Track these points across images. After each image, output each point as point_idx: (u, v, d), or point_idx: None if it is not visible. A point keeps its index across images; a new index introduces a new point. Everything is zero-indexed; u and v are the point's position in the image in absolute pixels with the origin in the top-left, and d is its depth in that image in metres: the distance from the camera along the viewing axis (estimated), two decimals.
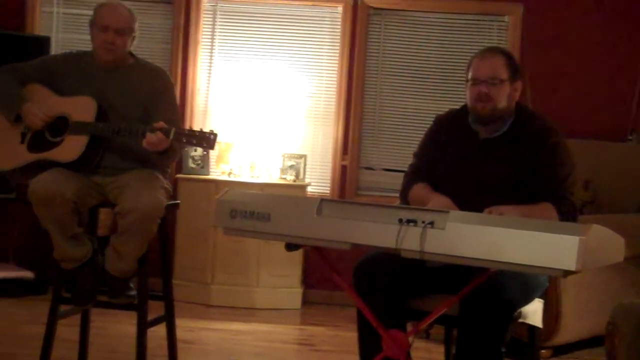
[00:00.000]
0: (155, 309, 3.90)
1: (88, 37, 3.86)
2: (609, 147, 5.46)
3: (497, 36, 5.96)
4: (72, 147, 3.66)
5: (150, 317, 3.79)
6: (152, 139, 3.50)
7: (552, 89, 5.76)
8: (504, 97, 3.28)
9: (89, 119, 3.67)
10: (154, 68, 3.99)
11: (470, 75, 3.32)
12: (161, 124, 3.51)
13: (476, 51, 3.43)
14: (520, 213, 2.97)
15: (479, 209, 2.83)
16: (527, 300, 3.16)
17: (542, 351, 4.30)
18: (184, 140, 3.54)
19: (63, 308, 3.87)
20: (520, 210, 3.02)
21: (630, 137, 5.64)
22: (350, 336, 3.46)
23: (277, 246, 3.01)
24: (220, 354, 4.48)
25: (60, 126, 3.70)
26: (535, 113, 3.43)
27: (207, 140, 3.50)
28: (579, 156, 3.38)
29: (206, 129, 3.51)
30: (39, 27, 6.09)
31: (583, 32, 5.86)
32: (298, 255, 5.68)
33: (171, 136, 3.49)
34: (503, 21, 5.97)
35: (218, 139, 3.55)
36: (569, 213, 3.15)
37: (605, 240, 2.58)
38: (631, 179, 5.19)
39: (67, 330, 4.12)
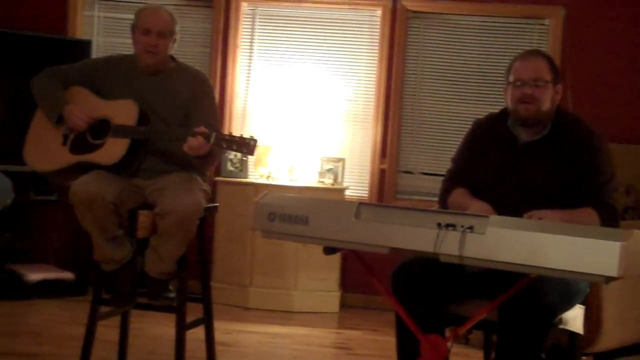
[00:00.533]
0: (194, 311, 3.92)
1: (128, 40, 3.89)
2: None
3: (538, 39, 5.91)
4: (113, 150, 3.69)
5: (189, 320, 3.81)
6: (193, 144, 3.52)
7: (593, 93, 5.70)
8: (548, 99, 3.26)
9: (131, 123, 3.70)
10: (195, 72, 4.01)
11: (512, 77, 3.30)
12: (202, 128, 3.52)
13: (516, 55, 3.41)
14: (561, 218, 2.95)
15: (519, 214, 2.81)
16: (568, 306, 3.13)
17: (583, 358, 4.25)
18: (224, 146, 3.56)
19: (103, 309, 3.91)
20: (561, 215, 3.00)
21: None
22: (388, 341, 3.45)
23: (315, 249, 3.01)
24: (258, 357, 4.49)
25: (101, 129, 3.73)
26: (576, 116, 3.40)
27: (247, 146, 3.51)
28: (620, 161, 3.35)
29: (246, 134, 3.52)
30: (80, 30, 6.15)
31: (625, 35, 5.80)
32: (336, 258, 5.67)
33: (212, 141, 3.50)
34: (544, 24, 5.92)
35: (256, 139, 3.56)
36: (610, 218, 3.12)
37: None
38: None
39: (107, 331, 4.15)
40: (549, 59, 3.34)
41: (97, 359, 3.96)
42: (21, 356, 4.20)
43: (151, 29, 3.76)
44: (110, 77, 3.86)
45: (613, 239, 2.37)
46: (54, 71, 3.89)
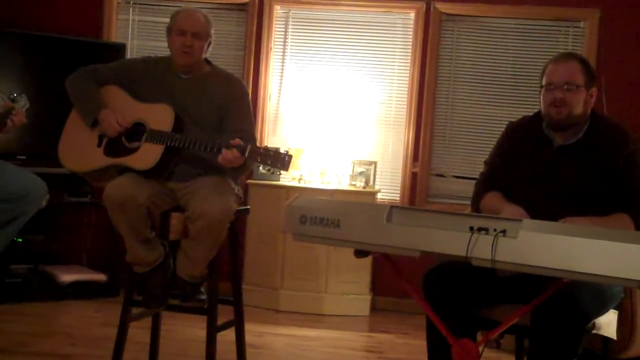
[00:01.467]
0: (225, 313, 3.93)
1: (162, 43, 3.92)
2: None
3: (573, 42, 5.87)
4: (147, 155, 3.70)
5: (219, 322, 3.82)
6: (228, 156, 3.52)
7: (629, 96, 5.65)
8: (580, 103, 3.24)
9: (166, 128, 3.71)
10: (229, 76, 4.02)
11: (544, 80, 3.29)
12: (238, 141, 3.52)
13: (551, 58, 3.40)
14: (594, 224, 2.93)
15: (553, 218, 2.79)
16: (602, 311, 3.10)
17: None
18: (259, 159, 3.56)
19: (135, 311, 3.93)
20: (595, 221, 2.97)
21: None
22: (419, 344, 3.44)
23: (346, 252, 3.00)
24: (288, 359, 4.49)
25: (137, 132, 3.76)
26: (611, 120, 3.38)
27: (281, 161, 3.51)
28: None
29: (278, 136, 3.53)
30: (115, 34, 6.21)
31: None
32: (367, 262, 5.67)
33: (247, 154, 3.51)
34: (579, 27, 5.88)
35: (289, 145, 3.56)
36: None
37: None
38: None
39: (139, 332, 4.17)
40: (583, 62, 3.32)
41: (129, 358, 3.99)
42: (54, 357, 4.23)
43: (186, 30, 3.77)
44: (145, 77, 3.88)
45: None
46: (90, 70, 3.91)
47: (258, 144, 3.62)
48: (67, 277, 5.71)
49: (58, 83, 3.98)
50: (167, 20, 3.91)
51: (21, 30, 5.81)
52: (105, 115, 3.74)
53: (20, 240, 5.44)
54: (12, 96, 3.56)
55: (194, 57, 3.82)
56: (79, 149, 3.84)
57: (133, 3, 6.24)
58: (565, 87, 3.23)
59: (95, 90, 3.84)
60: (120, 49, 5.94)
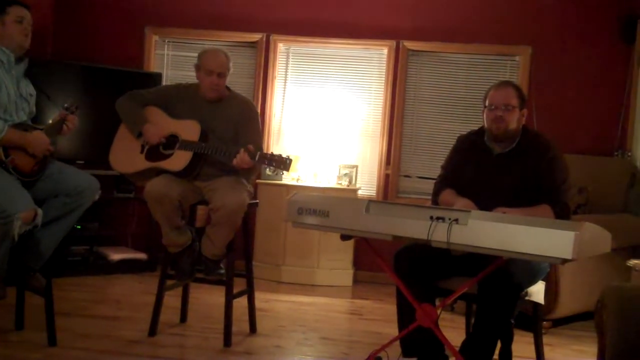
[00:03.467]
0: (240, 284, 3.94)
1: (191, 73, 3.91)
2: (599, 161, 5.39)
3: (510, 72, 5.87)
4: (179, 159, 3.71)
5: (235, 291, 3.83)
6: (242, 160, 3.54)
7: (553, 114, 5.67)
8: (514, 120, 3.27)
9: (194, 139, 3.72)
10: (244, 99, 4.02)
11: (487, 102, 3.32)
12: (250, 148, 3.54)
13: (492, 85, 3.41)
14: (523, 213, 2.95)
15: (493, 210, 2.81)
16: (532, 282, 3.13)
17: (544, 323, 4.24)
18: (266, 163, 3.57)
19: (169, 282, 3.95)
20: (523, 212, 2.99)
21: (616, 153, 5.54)
22: (390, 308, 3.46)
23: (333, 236, 3.02)
24: (289, 320, 4.49)
25: (171, 142, 3.76)
26: (538, 133, 3.41)
27: (284, 164, 3.52)
28: (575, 168, 3.35)
29: (280, 146, 3.54)
30: (153, 65, 6.18)
31: (578, 69, 5.76)
32: (350, 244, 5.66)
33: (256, 158, 3.53)
34: (515, 60, 5.89)
35: (289, 152, 3.57)
36: (562, 213, 3.12)
37: (596, 235, 2.55)
38: (616, 185, 5.13)
39: (172, 299, 4.18)
40: (517, 88, 3.35)
41: (164, 320, 4.00)
42: (107, 318, 4.22)
43: (213, 71, 3.77)
44: (179, 100, 3.88)
45: (569, 229, 2.38)
46: (135, 94, 3.91)
47: (265, 151, 3.63)
48: (116, 256, 5.70)
49: (108, 104, 3.98)
50: (195, 54, 3.91)
51: (78, 61, 5.79)
52: (148, 129, 3.76)
53: (79, 227, 5.42)
54: (64, 106, 3.55)
55: (219, 92, 3.83)
56: (126, 155, 3.85)
57: (168, 41, 6.22)
58: (503, 107, 3.25)
59: (140, 109, 3.85)
60: (157, 77, 5.92)
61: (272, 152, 3.56)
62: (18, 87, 3.45)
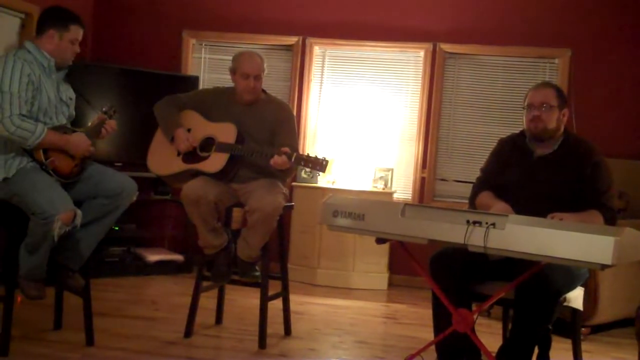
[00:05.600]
0: (274, 286, 3.94)
1: (226, 76, 3.92)
2: (638, 165, 5.30)
3: (549, 75, 5.81)
4: (216, 161, 3.73)
5: (270, 293, 3.84)
6: (278, 161, 3.54)
7: (592, 117, 5.59)
8: (553, 120, 3.23)
9: (231, 141, 3.74)
10: (280, 102, 4.03)
11: (526, 103, 3.30)
12: (286, 149, 3.54)
13: (531, 86, 3.38)
14: (575, 218, 2.91)
15: (533, 213, 2.77)
16: (571, 288, 3.08)
17: (582, 329, 4.17)
18: (302, 164, 3.57)
19: (205, 284, 3.97)
20: (575, 216, 2.96)
21: None
22: (426, 313, 3.43)
23: (369, 240, 3.00)
24: (323, 323, 4.49)
25: (208, 144, 3.79)
26: (580, 137, 3.36)
27: (320, 165, 3.52)
28: (615, 172, 3.29)
29: (316, 149, 3.53)
30: (190, 68, 6.25)
31: (618, 72, 5.67)
32: (385, 247, 5.65)
33: (293, 159, 3.53)
34: (554, 63, 5.82)
35: (324, 155, 3.56)
36: (611, 218, 3.09)
37: (636, 240, 2.50)
38: None
39: (208, 301, 4.21)
40: (556, 89, 3.32)
41: (199, 322, 4.03)
42: (143, 319, 4.27)
43: (249, 74, 3.78)
44: (215, 103, 3.91)
45: (608, 234, 2.34)
46: (173, 99, 3.95)
47: (301, 153, 3.63)
48: (153, 257, 5.76)
49: (146, 107, 4.02)
50: (231, 57, 3.93)
51: (118, 65, 5.88)
52: (178, 133, 3.78)
53: (117, 228, 5.50)
54: (103, 109, 3.60)
55: (255, 94, 3.85)
56: (163, 158, 3.88)
57: (205, 44, 6.28)
58: (542, 107, 3.22)
59: (175, 114, 3.88)
60: (194, 80, 5.97)
61: (308, 154, 3.56)
62: (58, 91, 3.51)
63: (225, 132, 3.77)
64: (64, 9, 3.52)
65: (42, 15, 3.51)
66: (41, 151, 3.34)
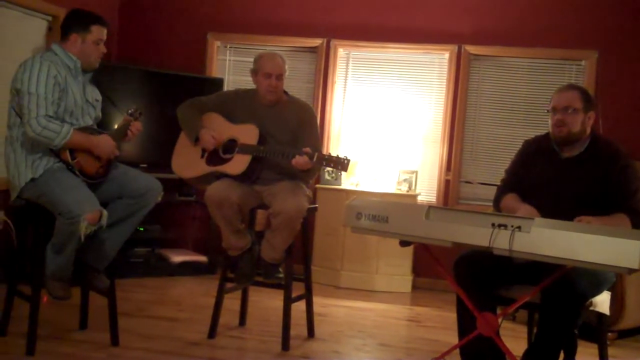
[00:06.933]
0: (298, 288, 3.95)
1: (251, 78, 3.93)
2: None
3: (575, 77, 5.76)
4: (239, 163, 3.75)
5: (294, 295, 3.85)
6: (300, 161, 3.55)
7: (620, 119, 5.52)
8: (577, 123, 3.20)
9: (253, 143, 3.76)
10: (302, 103, 4.04)
11: (551, 106, 3.26)
12: (308, 149, 3.55)
13: (556, 89, 3.35)
14: (603, 222, 2.88)
15: (558, 216, 2.75)
16: (597, 292, 3.05)
17: (609, 334, 4.13)
18: (324, 163, 3.57)
19: (228, 285, 3.99)
20: (603, 220, 2.93)
21: None
22: (450, 316, 3.42)
23: (393, 242, 3.00)
24: (347, 326, 4.49)
25: (230, 146, 3.81)
26: (608, 139, 3.32)
27: (342, 164, 3.52)
28: None
29: (340, 151, 3.53)
30: (215, 70, 6.28)
31: None
32: (409, 249, 5.63)
33: (314, 159, 3.53)
34: (580, 65, 5.76)
35: (349, 158, 3.56)
36: (639, 222, 3.03)
37: None
38: None
39: (231, 302, 4.22)
40: (581, 91, 3.28)
41: (223, 323, 4.05)
42: (167, 320, 4.29)
43: (271, 73, 3.80)
44: (238, 105, 3.93)
45: (635, 238, 2.32)
46: (195, 102, 3.98)
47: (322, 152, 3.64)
48: (177, 258, 5.79)
49: (172, 109, 4.04)
50: (253, 61, 3.94)
51: (144, 67, 5.92)
52: (204, 133, 3.81)
53: (142, 229, 5.54)
54: (129, 112, 3.62)
55: (277, 94, 3.85)
56: (187, 160, 3.91)
57: (229, 47, 6.31)
58: (566, 110, 3.19)
59: (197, 116, 3.90)
60: (219, 82, 6.00)
61: (329, 153, 3.56)
62: (84, 93, 3.54)
63: (248, 134, 3.78)
64: (84, 11, 3.54)
65: (64, 21, 3.55)
66: (68, 152, 3.38)
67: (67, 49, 3.46)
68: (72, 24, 3.49)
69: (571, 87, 3.34)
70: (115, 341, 3.62)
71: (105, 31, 3.55)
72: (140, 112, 3.64)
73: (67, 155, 3.38)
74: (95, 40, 3.50)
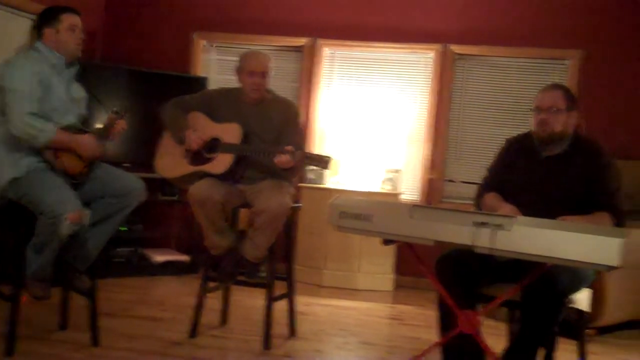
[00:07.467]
0: (280, 287, 3.95)
1: (236, 77, 3.93)
2: None
3: (559, 76, 5.80)
4: (222, 162, 3.75)
5: (276, 294, 3.84)
6: (283, 159, 3.55)
7: (603, 118, 5.56)
8: (560, 123, 3.21)
9: (236, 142, 3.75)
10: (286, 101, 4.04)
11: (534, 105, 3.27)
12: (290, 148, 3.55)
13: (540, 88, 3.37)
14: (584, 221, 2.90)
15: (540, 215, 2.76)
16: (577, 289, 3.07)
17: (588, 331, 4.15)
18: (306, 161, 3.58)
19: (210, 284, 3.98)
20: (584, 219, 2.95)
21: None
22: (432, 314, 3.43)
23: (375, 241, 3.00)
24: (329, 325, 4.49)
25: (214, 145, 3.80)
26: (589, 138, 3.34)
27: (324, 162, 3.52)
28: (625, 173, 3.27)
29: (324, 150, 3.54)
30: (200, 70, 6.27)
31: (629, 73, 5.66)
32: (391, 248, 5.64)
33: (297, 158, 3.54)
34: (564, 64, 5.81)
35: (331, 156, 3.57)
36: (620, 220, 3.07)
37: None
38: None
39: (213, 301, 4.21)
40: (565, 90, 3.30)
41: (205, 322, 4.04)
42: (149, 319, 4.28)
43: (256, 72, 3.80)
44: (222, 104, 3.92)
45: (615, 236, 2.34)
46: (179, 101, 3.96)
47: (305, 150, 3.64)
48: (160, 257, 5.78)
49: (156, 107, 4.03)
50: (238, 60, 3.93)
51: (129, 66, 5.90)
52: (188, 134, 3.80)
53: (124, 228, 5.52)
54: (113, 110, 3.60)
55: (261, 92, 3.85)
56: (170, 160, 3.90)
57: (215, 46, 6.31)
58: (549, 110, 3.21)
59: (183, 116, 3.89)
60: (203, 81, 5.99)
61: (311, 152, 3.57)
62: (68, 90, 3.52)
63: (231, 133, 3.78)
64: (51, 6, 3.54)
65: (36, 22, 3.55)
66: (51, 151, 3.35)
67: (48, 46, 3.45)
68: (43, 20, 3.49)
69: (555, 86, 3.35)
70: (95, 341, 3.60)
71: (77, 18, 3.52)
72: (124, 110, 3.62)
73: (51, 155, 3.36)
74: (68, 26, 3.47)
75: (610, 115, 5.64)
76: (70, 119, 3.52)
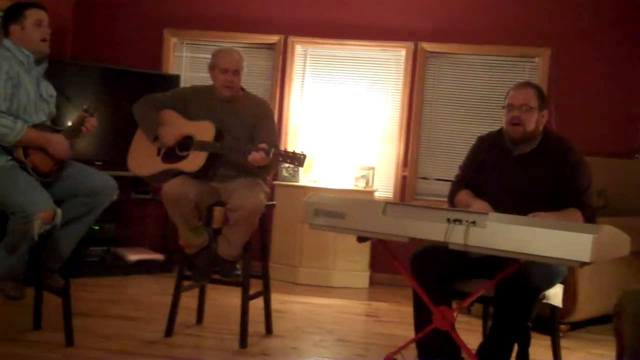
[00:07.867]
0: (256, 285, 3.94)
1: (208, 75, 3.92)
2: (619, 163, 5.35)
3: (529, 74, 5.85)
4: (195, 160, 3.73)
5: (251, 292, 3.84)
6: (256, 157, 3.55)
7: (572, 115, 5.63)
8: (533, 122, 3.25)
9: (209, 139, 3.74)
10: (259, 99, 4.04)
11: (506, 102, 3.30)
12: (264, 145, 3.55)
13: (511, 86, 3.40)
14: (556, 217, 2.94)
15: (511, 211, 2.79)
16: (550, 285, 3.11)
17: (561, 326, 4.21)
18: (280, 159, 3.58)
19: (185, 283, 3.96)
20: (556, 215, 2.98)
21: (637, 155, 5.50)
22: (407, 311, 3.45)
23: (350, 238, 3.01)
24: (305, 322, 4.50)
25: (186, 144, 3.78)
26: (560, 135, 3.38)
27: (298, 159, 3.53)
28: (595, 170, 3.32)
29: (298, 148, 3.54)
30: (172, 67, 6.22)
31: (596, 71, 5.73)
32: (367, 245, 5.66)
33: (270, 155, 3.53)
34: (534, 62, 5.86)
35: (306, 154, 3.57)
36: (591, 216, 3.11)
37: (614, 238, 2.53)
38: (636, 188, 5.08)
39: (188, 300, 4.19)
40: (537, 89, 3.33)
41: (180, 321, 4.02)
42: (124, 319, 4.25)
43: (228, 69, 3.79)
44: (194, 102, 3.90)
45: (587, 232, 2.36)
46: (151, 98, 3.93)
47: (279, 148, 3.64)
48: (133, 256, 5.73)
49: (127, 106, 4.00)
50: (210, 57, 3.92)
51: (99, 63, 5.84)
52: (163, 131, 3.78)
53: (97, 227, 5.46)
54: (84, 107, 3.56)
55: (234, 89, 3.85)
56: (143, 158, 3.87)
57: (186, 43, 6.26)
58: (522, 108, 3.24)
59: (155, 114, 3.87)
60: (175, 79, 5.95)
61: (286, 149, 3.57)
62: (38, 88, 3.48)
63: (204, 131, 3.76)
64: (16, 2, 3.50)
65: (1, 20, 3.50)
66: (21, 149, 3.32)
67: (16, 43, 3.41)
68: (8, 17, 3.46)
69: (527, 84, 3.38)
70: (69, 341, 3.56)
71: (43, 12, 3.49)
72: (95, 107, 3.58)
73: (20, 153, 3.32)
74: (33, 22, 3.44)
75: (580, 113, 5.70)
76: (40, 117, 3.48)
